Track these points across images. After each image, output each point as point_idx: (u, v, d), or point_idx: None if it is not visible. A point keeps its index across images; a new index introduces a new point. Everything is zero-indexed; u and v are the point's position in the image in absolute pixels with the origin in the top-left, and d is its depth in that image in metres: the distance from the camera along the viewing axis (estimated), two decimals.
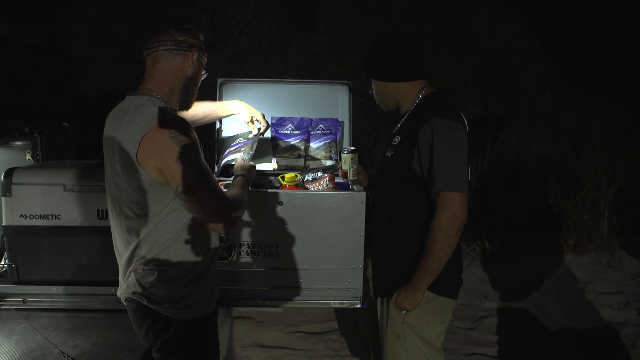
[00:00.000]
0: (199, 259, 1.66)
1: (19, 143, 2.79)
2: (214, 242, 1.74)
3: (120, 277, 1.71)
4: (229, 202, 1.57)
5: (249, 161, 2.12)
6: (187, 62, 1.66)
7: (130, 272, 1.63)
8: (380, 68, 1.90)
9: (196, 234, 1.64)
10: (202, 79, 1.78)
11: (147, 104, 1.55)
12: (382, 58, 1.90)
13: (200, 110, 2.22)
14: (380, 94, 1.96)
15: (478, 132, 4.91)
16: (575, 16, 6.21)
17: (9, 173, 2.24)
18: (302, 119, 2.70)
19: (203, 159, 1.55)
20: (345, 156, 2.27)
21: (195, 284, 1.66)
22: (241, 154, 2.23)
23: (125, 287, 1.66)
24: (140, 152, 1.47)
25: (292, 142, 2.65)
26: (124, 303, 1.71)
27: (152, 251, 1.59)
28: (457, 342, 3.38)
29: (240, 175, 1.85)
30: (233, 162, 2.15)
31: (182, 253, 1.62)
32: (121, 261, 1.69)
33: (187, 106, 1.75)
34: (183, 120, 1.53)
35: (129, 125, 1.50)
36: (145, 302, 1.61)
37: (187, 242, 1.62)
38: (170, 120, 1.50)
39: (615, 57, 6.07)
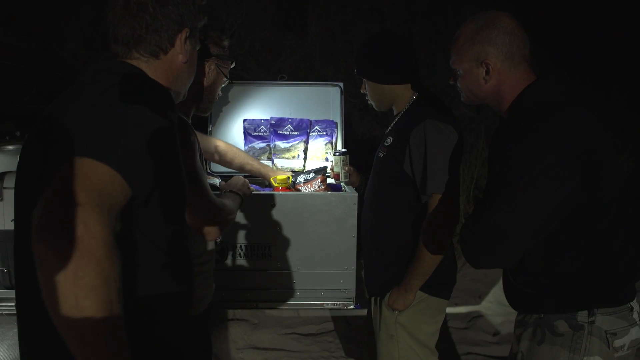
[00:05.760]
0: (196, 259, 1.65)
1: (10, 147, 2.77)
2: (210, 244, 1.74)
3: None
4: (218, 208, 1.53)
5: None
6: (202, 72, 1.64)
7: None
8: (378, 70, 1.86)
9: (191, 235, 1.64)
10: (222, 86, 1.75)
11: None
12: (379, 60, 1.85)
13: (235, 160, 2.36)
14: (376, 95, 1.92)
15: (472, 133, 4.92)
16: (567, 16, 6.25)
17: (0, 177, 2.23)
18: (301, 120, 2.66)
19: (198, 161, 1.52)
20: (336, 158, 2.26)
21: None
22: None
23: None
24: None
25: (291, 143, 2.63)
26: None
27: None
28: (451, 341, 3.38)
29: (234, 192, 1.79)
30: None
31: None
32: None
33: (204, 112, 1.75)
34: (184, 122, 1.52)
35: None
36: None
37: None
38: None
39: (607, 57, 6.12)
